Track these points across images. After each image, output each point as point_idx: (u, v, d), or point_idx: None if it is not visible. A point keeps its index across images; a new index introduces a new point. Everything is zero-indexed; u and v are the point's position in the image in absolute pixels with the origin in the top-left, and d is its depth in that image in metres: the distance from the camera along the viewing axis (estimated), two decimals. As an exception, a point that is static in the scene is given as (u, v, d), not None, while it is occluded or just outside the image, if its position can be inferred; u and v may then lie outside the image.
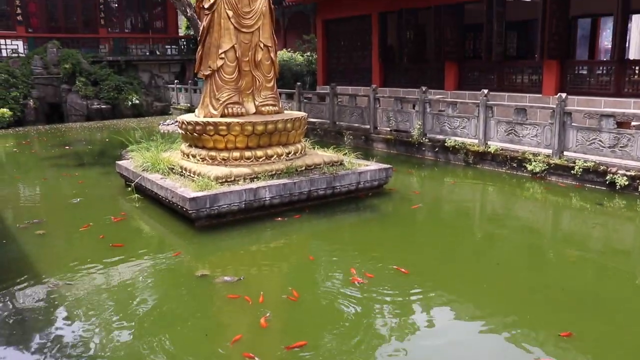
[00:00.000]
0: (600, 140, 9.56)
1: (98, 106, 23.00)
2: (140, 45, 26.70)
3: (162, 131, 17.99)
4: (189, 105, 23.31)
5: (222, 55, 8.24)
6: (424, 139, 12.55)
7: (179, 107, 24.34)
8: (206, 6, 8.27)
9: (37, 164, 13.69)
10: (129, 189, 8.91)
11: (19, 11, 24.11)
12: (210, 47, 8.33)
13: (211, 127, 8.01)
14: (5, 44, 23.54)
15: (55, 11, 25.48)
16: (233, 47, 8.27)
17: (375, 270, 5.79)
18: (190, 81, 24.44)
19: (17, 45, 23.86)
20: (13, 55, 23.30)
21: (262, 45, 8.53)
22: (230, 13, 8.23)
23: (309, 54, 24.53)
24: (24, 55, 23.32)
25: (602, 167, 9.29)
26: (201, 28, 8.47)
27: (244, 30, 8.36)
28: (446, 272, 5.94)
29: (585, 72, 13.53)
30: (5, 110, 20.73)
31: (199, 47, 8.56)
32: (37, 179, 12.01)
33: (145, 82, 26.36)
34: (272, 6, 8.88)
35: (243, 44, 8.40)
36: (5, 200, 9.65)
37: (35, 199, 10.26)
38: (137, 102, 23.76)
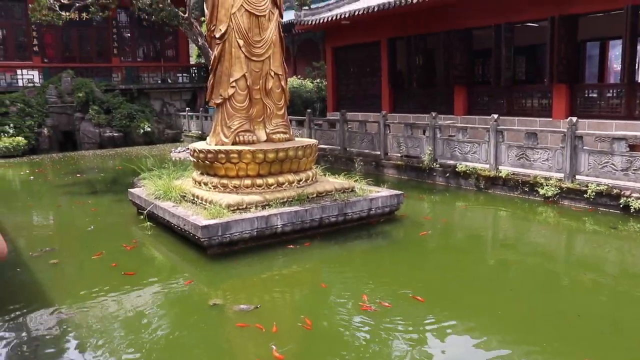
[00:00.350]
0: (612, 164, 9.51)
1: (110, 134, 23.27)
2: (152, 73, 27.08)
3: (173, 158, 18.13)
4: (200, 132, 23.50)
5: (233, 84, 8.34)
6: (434, 164, 12.55)
7: (190, 134, 24.56)
8: (217, 35, 8.40)
9: (51, 192, 13.83)
10: (141, 217, 8.96)
11: (35, 42, 24.60)
12: (222, 75, 8.43)
13: (223, 155, 8.07)
14: (22, 74, 23.99)
15: (69, 41, 25.97)
16: (244, 75, 8.37)
17: (389, 298, 5.75)
18: (201, 109, 24.67)
19: (33, 75, 24.30)
20: (29, 85, 23.72)
21: (272, 73, 8.63)
22: (241, 42, 8.35)
23: (318, 80, 24.74)
24: (39, 85, 23.72)
25: (615, 191, 9.23)
26: (212, 57, 8.58)
27: (254, 59, 8.47)
28: (460, 299, 5.89)
29: (595, 95, 13.53)
30: (20, 138, 21.04)
31: (210, 75, 8.67)
32: (50, 207, 12.11)
33: (157, 109, 26.67)
34: (282, 35, 9.00)
35: (254, 73, 8.50)
36: (19, 227, 9.73)
37: (48, 227, 10.34)
38: (149, 129, 24.01)
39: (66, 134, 23.36)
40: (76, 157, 20.79)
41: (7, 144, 20.54)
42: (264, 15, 8.53)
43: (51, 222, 10.87)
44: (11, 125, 21.34)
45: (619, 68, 15.87)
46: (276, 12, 8.75)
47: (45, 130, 22.33)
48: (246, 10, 8.37)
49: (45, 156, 21.23)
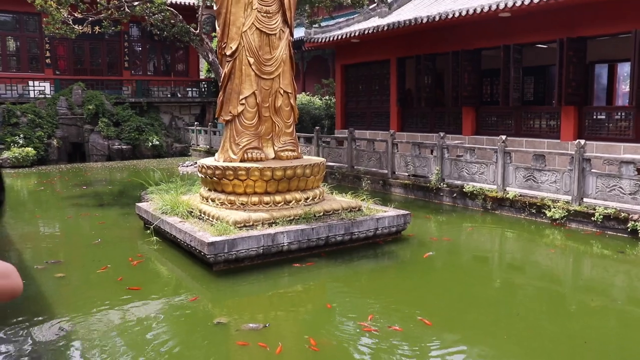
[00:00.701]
0: (620, 187, 9.47)
1: (119, 146, 23.42)
2: (162, 87, 27.30)
3: (181, 172, 18.22)
4: (208, 147, 23.60)
5: (243, 101, 8.40)
6: (442, 184, 12.54)
7: (198, 148, 24.67)
8: (228, 53, 8.48)
9: (58, 203, 13.89)
10: (148, 231, 8.98)
11: (47, 54, 24.90)
12: (231, 93, 8.50)
13: (230, 172, 8.10)
14: (34, 86, 24.24)
15: (81, 54, 26.26)
16: (253, 93, 8.43)
17: (396, 320, 5.72)
18: (210, 123, 24.80)
19: (45, 86, 24.55)
20: (40, 96, 23.96)
21: (282, 91, 8.69)
22: (252, 60, 8.42)
23: (327, 97, 24.84)
24: (50, 97, 23.95)
25: (623, 214, 9.18)
26: (222, 74, 8.66)
27: (264, 76, 8.54)
28: (465, 322, 5.85)
29: (603, 117, 13.52)
30: (29, 149, 21.20)
31: (220, 92, 8.74)
32: (57, 218, 12.16)
33: (166, 123, 26.84)
34: (293, 53, 9.07)
35: (263, 90, 8.56)
36: (25, 239, 9.78)
37: (55, 239, 10.38)
38: (157, 143, 24.16)
39: (75, 145, 23.55)
40: (84, 169, 20.92)
41: (16, 154, 20.71)
42: (275, 34, 8.61)
43: (58, 233, 10.92)
44: (21, 135, 21.53)
45: (628, 89, 15.87)
46: (287, 30, 8.83)
47: (55, 142, 22.51)
48: (257, 28, 8.45)
49: (53, 167, 21.37)
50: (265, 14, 8.52)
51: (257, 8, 8.45)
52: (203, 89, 28.38)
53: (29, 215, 12.40)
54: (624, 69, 19.30)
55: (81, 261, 8.41)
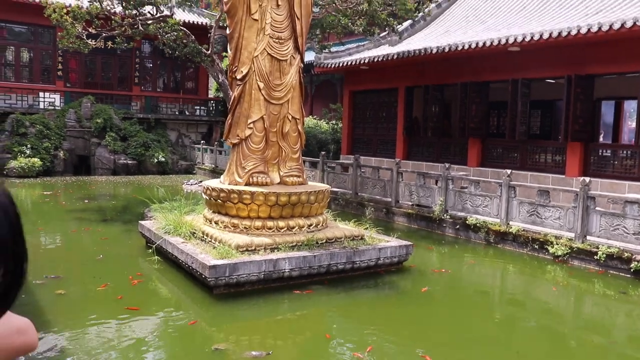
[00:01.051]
0: (624, 227, 9.45)
1: (125, 161, 23.52)
2: (171, 104, 27.50)
3: (185, 191, 18.26)
4: (213, 166, 23.67)
5: (251, 125, 8.45)
6: (445, 215, 12.53)
7: (203, 167, 24.74)
8: (238, 77, 8.56)
9: (61, 216, 13.92)
10: (150, 250, 8.98)
11: (60, 67, 25.18)
12: (240, 116, 8.56)
13: (235, 195, 8.12)
14: (44, 97, 24.48)
15: (93, 68, 26.53)
16: (262, 117, 8.49)
17: (394, 354, 5.68)
18: (216, 142, 24.90)
19: (55, 98, 24.78)
20: (50, 107, 24.17)
21: (290, 117, 8.75)
22: (262, 85, 8.50)
23: (334, 122, 24.95)
24: (59, 108, 24.15)
25: (626, 254, 9.14)
26: (232, 97, 8.73)
27: (273, 101, 8.60)
28: (465, 359, 5.81)
29: (609, 154, 13.54)
30: (36, 159, 21.31)
31: (229, 115, 8.80)
32: (60, 232, 12.17)
33: (173, 140, 26.97)
34: (302, 79, 9.16)
35: (272, 115, 8.63)
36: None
37: (56, 253, 10.35)
38: (163, 159, 24.24)
39: (81, 158, 23.68)
40: (89, 182, 20.99)
41: (22, 164, 20.81)
42: (286, 60, 8.71)
43: (59, 247, 10.92)
44: (29, 146, 21.67)
45: (634, 125, 15.91)
46: (298, 57, 8.93)
47: (61, 153, 22.64)
48: (268, 54, 8.55)
49: (58, 179, 21.45)
50: (277, 40, 8.63)
51: (269, 34, 8.56)
52: (211, 108, 28.55)
53: (31, 227, 12.38)
54: (631, 105, 19.40)
55: (81, 277, 8.40)
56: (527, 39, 12.75)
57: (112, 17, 15.64)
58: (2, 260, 0.97)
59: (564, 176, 13.65)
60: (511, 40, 13.11)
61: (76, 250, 10.38)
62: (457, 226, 12.22)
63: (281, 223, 8.16)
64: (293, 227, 8.24)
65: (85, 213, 13.80)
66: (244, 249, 7.63)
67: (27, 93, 24.16)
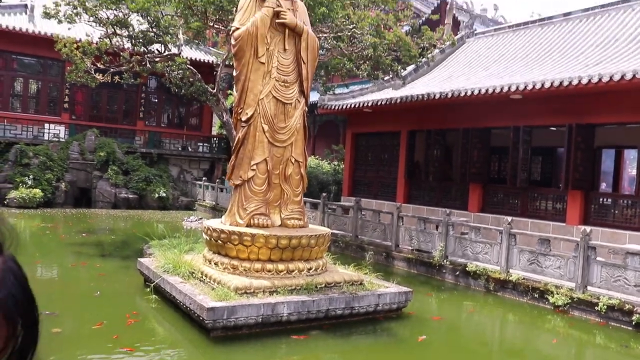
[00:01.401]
0: (625, 278, 9.41)
1: (126, 195, 23.54)
2: (174, 140, 27.67)
3: (185, 227, 18.22)
4: (214, 203, 23.63)
5: (254, 167, 8.50)
6: (445, 261, 12.48)
7: (204, 204, 24.69)
8: (243, 119, 8.65)
9: (60, 249, 13.86)
10: (148, 289, 8.92)
11: (66, 99, 25.49)
12: (243, 158, 8.62)
13: (236, 237, 8.12)
14: (49, 129, 24.71)
15: (99, 101, 26.85)
16: (265, 160, 8.55)
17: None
18: (217, 180, 24.92)
19: (60, 130, 24.99)
20: (54, 139, 24.35)
21: (293, 160, 8.81)
22: (266, 127, 8.59)
23: (336, 163, 25.04)
24: (64, 140, 24.33)
25: (627, 306, 9.06)
26: (236, 139, 8.80)
27: (277, 144, 8.67)
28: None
29: (609, 203, 13.56)
30: (37, 190, 21.35)
31: (232, 156, 8.86)
32: (58, 266, 12.11)
33: (174, 176, 27.04)
34: (307, 123, 9.25)
35: (275, 158, 8.68)
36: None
37: (53, 288, 10.22)
38: (164, 195, 24.24)
39: (82, 190, 23.72)
40: (89, 215, 20.97)
41: (23, 195, 20.84)
42: (291, 103, 8.82)
43: (56, 282, 10.84)
44: (31, 176, 21.75)
45: (634, 172, 15.97)
46: (302, 100, 9.04)
47: (63, 185, 22.71)
48: (274, 97, 8.66)
49: (59, 210, 21.44)
50: (283, 83, 8.75)
51: (275, 77, 8.69)
52: (214, 145, 28.72)
53: (29, 259, 12.29)
54: (631, 153, 19.53)
55: (78, 314, 8.33)
56: (529, 87, 12.92)
57: (121, 53, 15.89)
58: (19, 323, 0.99)
59: (564, 224, 13.63)
60: (513, 88, 13.29)
61: (73, 286, 10.31)
62: (457, 273, 12.15)
63: (281, 266, 8.13)
64: (293, 271, 8.20)
65: (84, 247, 13.76)
66: (243, 291, 7.58)
67: (32, 124, 24.41)
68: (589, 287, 9.83)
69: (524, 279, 10.80)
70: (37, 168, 22.30)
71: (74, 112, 26.14)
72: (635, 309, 8.95)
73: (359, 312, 8.33)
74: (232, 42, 8.76)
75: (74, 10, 15.08)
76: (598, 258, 9.94)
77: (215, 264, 8.36)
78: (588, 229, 10.17)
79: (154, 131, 27.33)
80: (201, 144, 28.44)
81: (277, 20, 8.63)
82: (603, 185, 20.65)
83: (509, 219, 11.51)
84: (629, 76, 11.10)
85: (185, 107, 28.76)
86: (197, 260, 8.94)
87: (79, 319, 8.06)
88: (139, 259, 10.31)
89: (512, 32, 20.13)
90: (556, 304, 9.95)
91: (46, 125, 24.75)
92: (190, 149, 27.88)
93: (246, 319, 7.22)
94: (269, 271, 8.07)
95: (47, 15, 15.33)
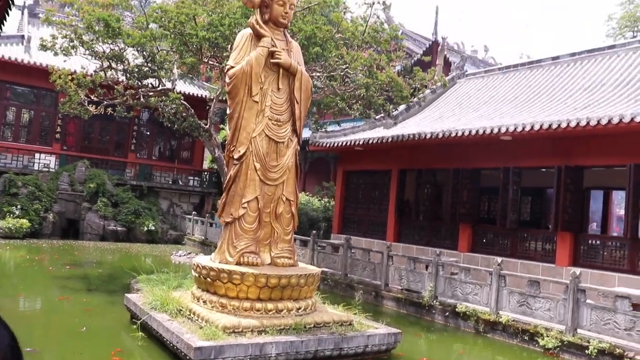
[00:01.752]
0: (615, 322, 9.38)
1: (114, 228, 23.34)
2: (165, 173, 27.62)
3: (173, 262, 18.06)
4: (203, 238, 23.39)
5: (245, 205, 8.49)
6: (434, 301, 12.42)
7: (193, 238, 24.45)
8: (236, 157, 8.67)
9: (45, 282, 13.65)
10: (134, 326, 8.78)
11: (58, 129, 25.49)
12: (235, 195, 8.61)
13: (225, 275, 8.05)
14: (39, 159, 24.62)
15: (91, 132, 26.85)
16: (256, 198, 8.55)
17: None
18: (207, 214, 24.79)
19: (50, 160, 24.91)
20: (44, 169, 24.25)
21: (284, 198, 8.81)
22: (258, 165, 8.61)
23: (326, 199, 25.03)
24: (53, 171, 24.22)
25: (618, 350, 9.01)
26: (228, 176, 8.82)
27: (269, 182, 8.69)
28: None
29: (598, 244, 13.63)
30: (24, 221, 21.11)
31: (224, 193, 8.86)
32: (42, 299, 11.91)
33: (164, 209, 26.87)
34: (298, 162, 9.30)
35: (266, 196, 8.69)
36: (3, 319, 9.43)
37: (36, 322, 10.01)
38: (153, 228, 24.02)
39: (70, 221, 23.50)
40: (76, 247, 20.73)
41: (10, 225, 20.59)
42: (283, 142, 8.87)
43: (39, 316, 10.63)
44: (19, 206, 21.54)
45: (622, 212, 16.08)
46: (295, 139, 9.10)
47: (51, 216, 22.51)
48: (267, 135, 8.72)
49: (45, 241, 21.20)
50: (275, 122, 8.82)
51: (268, 116, 8.76)
52: (205, 179, 28.68)
53: (12, 292, 12.12)
54: (619, 194, 19.73)
55: (60, 351, 8.17)
56: (519, 129, 13.10)
57: (115, 86, 16.00)
58: None
59: (554, 265, 13.66)
60: (503, 130, 13.47)
61: (57, 321, 10.12)
62: (447, 313, 12.08)
63: (270, 305, 8.05)
64: (282, 310, 8.12)
65: (70, 280, 13.56)
66: (231, 330, 7.49)
67: (23, 153, 24.33)
68: (579, 330, 9.79)
69: (513, 320, 10.75)
70: (26, 198, 22.11)
71: (65, 142, 26.11)
72: (626, 353, 8.91)
73: (347, 354, 8.23)
74: (227, 80, 8.86)
75: (71, 43, 15.23)
76: (588, 301, 9.93)
77: (204, 301, 8.27)
78: (577, 271, 10.18)
79: (145, 164, 27.30)
80: (192, 178, 28.38)
81: (271, 60, 8.75)
82: (594, 225, 20.79)
83: (499, 259, 11.52)
84: (615, 120, 11.31)
85: (177, 141, 28.78)
86: (185, 297, 8.84)
87: (62, 356, 7.90)
88: (126, 294, 10.18)
89: (501, 74, 20.52)
90: (546, 346, 9.89)
91: (37, 155, 24.68)
92: (180, 183, 27.81)
93: (234, 359, 7.12)
94: (258, 310, 7.98)
95: (43, 47, 15.46)
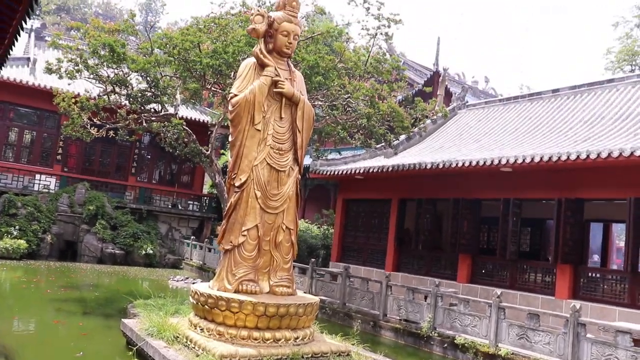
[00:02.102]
0: (616, 357, 9.30)
1: (112, 250, 23.26)
2: (165, 197, 27.63)
3: (171, 287, 17.95)
4: (201, 262, 23.28)
5: (245, 233, 8.47)
6: (433, 332, 12.31)
7: (191, 263, 24.34)
8: (237, 184, 8.68)
9: (41, 305, 13.54)
10: (130, 352, 8.69)
11: (60, 151, 25.59)
12: (235, 223, 8.60)
13: (223, 302, 7.99)
14: (40, 180, 24.67)
15: (92, 154, 26.94)
16: (256, 226, 8.53)
17: None
18: (206, 239, 24.69)
19: (50, 181, 24.96)
20: (44, 190, 24.27)
21: (284, 227, 8.79)
22: (259, 194, 8.61)
23: (325, 227, 24.95)
24: (53, 192, 24.24)
25: (620, 387, 8.92)
26: (228, 204, 8.82)
27: (269, 211, 8.68)
28: None
29: (598, 277, 13.55)
30: (22, 242, 21.04)
31: (224, 220, 8.85)
32: (37, 323, 11.79)
33: (163, 233, 26.81)
34: (299, 191, 9.30)
35: (266, 224, 8.67)
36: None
37: (29, 346, 9.84)
38: (151, 252, 23.93)
39: (69, 243, 23.44)
40: (74, 269, 20.62)
41: (7, 245, 20.50)
42: (284, 171, 8.88)
43: (33, 339, 10.50)
44: (17, 227, 21.50)
45: (622, 244, 16.04)
46: (296, 168, 9.11)
47: (49, 237, 22.44)
48: (268, 164, 8.74)
49: (43, 263, 21.09)
50: (277, 151, 8.85)
51: (270, 144, 8.79)
52: (204, 204, 28.68)
53: (7, 314, 11.99)
54: (619, 226, 19.73)
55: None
56: (519, 161, 13.15)
57: (118, 110, 16.10)
58: None
59: (553, 297, 13.57)
60: (504, 161, 13.51)
61: (52, 345, 10.01)
62: (445, 345, 11.97)
63: (267, 334, 7.97)
64: (279, 339, 8.04)
65: (66, 303, 13.46)
66: (228, 359, 7.41)
67: (23, 174, 24.41)
68: (579, 365, 9.69)
69: (513, 353, 10.65)
70: (24, 219, 22.08)
71: (66, 164, 26.20)
72: (628, 391, 8.81)
73: (345, 385, 8.15)
74: (230, 108, 8.91)
75: (76, 67, 15.38)
76: (588, 335, 9.86)
77: (201, 329, 8.20)
78: (578, 304, 10.12)
79: (145, 187, 27.34)
80: (191, 202, 28.38)
81: (274, 89, 8.82)
82: (595, 257, 20.74)
83: (498, 291, 11.46)
84: (615, 154, 11.37)
85: (177, 165, 28.87)
86: (182, 324, 8.77)
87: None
88: (122, 319, 10.10)
89: (502, 105, 20.66)
90: (546, 381, 9.78)
91: (37, 176, 24.74)
92: (180, 207, 27.79)
93: (230, 389, 7.03)
94: (255, 339, 7.90)
95: (49, 70, 15.61)
